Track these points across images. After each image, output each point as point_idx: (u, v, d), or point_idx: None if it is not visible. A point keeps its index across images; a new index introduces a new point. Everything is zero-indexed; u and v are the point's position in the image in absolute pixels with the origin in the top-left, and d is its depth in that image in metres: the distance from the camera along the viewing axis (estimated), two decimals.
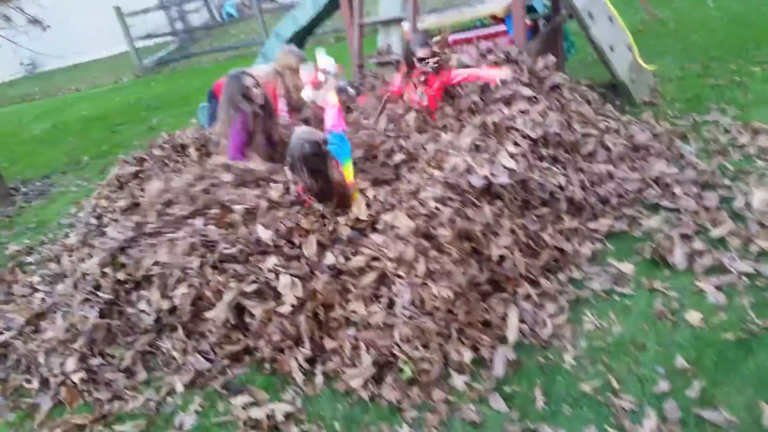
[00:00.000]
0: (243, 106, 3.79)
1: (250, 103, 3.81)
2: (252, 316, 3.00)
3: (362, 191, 3.36)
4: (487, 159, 3.39)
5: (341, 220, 3.25)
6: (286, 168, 3.53)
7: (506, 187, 3.23)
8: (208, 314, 3.04)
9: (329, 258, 3.05)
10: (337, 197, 3.28)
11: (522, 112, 3.91)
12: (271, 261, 3.06)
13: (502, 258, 2.98)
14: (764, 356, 2.36)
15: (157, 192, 3.65)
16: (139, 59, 14.22)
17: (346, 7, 5.50)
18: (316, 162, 3.17)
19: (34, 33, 7.71)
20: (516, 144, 3.58)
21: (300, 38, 7.32)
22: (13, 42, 7.67)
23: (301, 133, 3.26)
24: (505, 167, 3.31)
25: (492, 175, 3.22)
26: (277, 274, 3.01)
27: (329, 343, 2.87)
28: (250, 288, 3.02)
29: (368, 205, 3.28)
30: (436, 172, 3.32)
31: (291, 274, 2.98)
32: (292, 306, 2.90)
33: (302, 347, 2.88)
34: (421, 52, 4.13)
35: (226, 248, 3.16)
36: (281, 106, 4.36)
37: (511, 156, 3.40)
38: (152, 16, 16.18)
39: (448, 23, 5.99)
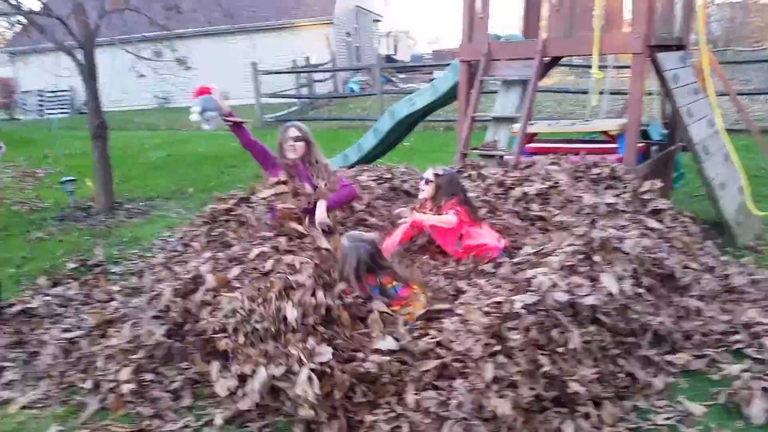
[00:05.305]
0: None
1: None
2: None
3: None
4: (584, 276, 3.22)
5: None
6: None
7: (606, 312, 3.06)
8: (241, 405, 2.96)
9: (389, 341, 2.97)
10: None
11: (619, 229, 3.81)
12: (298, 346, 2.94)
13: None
14: None
15: None
16: (261, 113, 15.17)
17: (463, 99, 5.75)
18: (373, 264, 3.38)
19: (175, 71, 8.39)
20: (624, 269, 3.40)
21: (412, 121, 7.61)
22: (163, 76, 8.34)
23: (353, 236, 3.48)
24: (608, 291, 3.12)
25: (581, 295, 3.02)
26: (300, 364, 2.86)
27: (368, 417, 2.79)
28: (278, 371, 2.89)
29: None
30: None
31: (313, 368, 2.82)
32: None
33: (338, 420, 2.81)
34: None
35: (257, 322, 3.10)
36: None
37: (617, 279, 3.21)
38: (282, 77, 17.37)
39: (558, 131, 6.06)
